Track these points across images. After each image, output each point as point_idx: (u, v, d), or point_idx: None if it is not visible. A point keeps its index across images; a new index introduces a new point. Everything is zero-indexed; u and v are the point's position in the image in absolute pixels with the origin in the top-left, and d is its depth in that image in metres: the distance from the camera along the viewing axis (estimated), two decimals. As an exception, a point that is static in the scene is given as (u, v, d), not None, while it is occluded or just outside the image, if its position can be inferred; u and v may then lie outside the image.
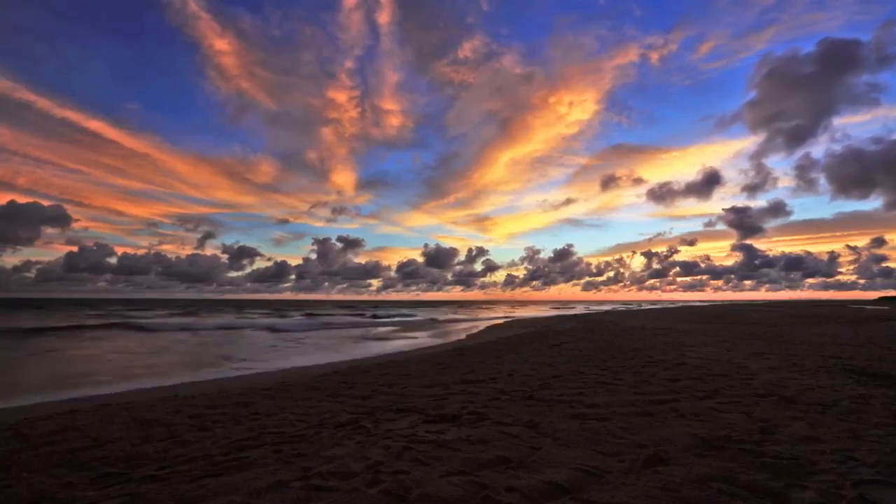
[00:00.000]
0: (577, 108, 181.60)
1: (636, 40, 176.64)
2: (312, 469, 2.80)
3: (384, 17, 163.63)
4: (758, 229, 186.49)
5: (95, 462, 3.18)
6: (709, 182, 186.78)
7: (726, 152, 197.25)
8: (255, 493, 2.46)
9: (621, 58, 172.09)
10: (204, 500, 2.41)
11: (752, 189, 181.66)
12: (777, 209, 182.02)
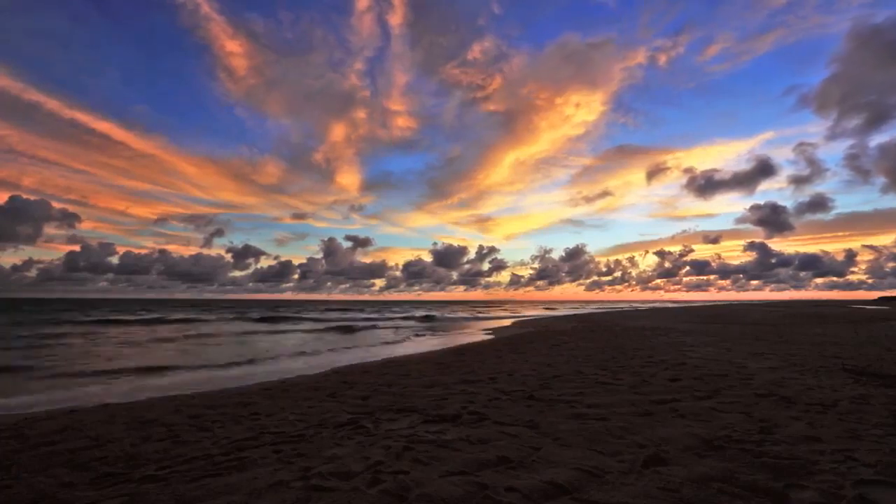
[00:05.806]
0: (583, 109, 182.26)
1: (644, 43, 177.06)
2: (312, 469, 2.80)
3: (396, 19, 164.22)
4: (787, 226, 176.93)
5: (95, 462, 3.17)
6: (753, 174, 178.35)
7: (729, 153, 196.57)
8: (255, 493, 2.46)
9: (629, 60, 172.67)
10: (204, 500, 2.41)
11: (799, 181, 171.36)
12: (817, 204, 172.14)
